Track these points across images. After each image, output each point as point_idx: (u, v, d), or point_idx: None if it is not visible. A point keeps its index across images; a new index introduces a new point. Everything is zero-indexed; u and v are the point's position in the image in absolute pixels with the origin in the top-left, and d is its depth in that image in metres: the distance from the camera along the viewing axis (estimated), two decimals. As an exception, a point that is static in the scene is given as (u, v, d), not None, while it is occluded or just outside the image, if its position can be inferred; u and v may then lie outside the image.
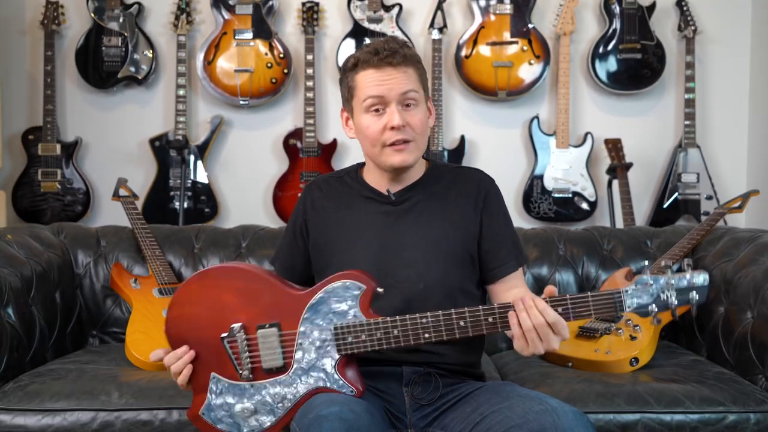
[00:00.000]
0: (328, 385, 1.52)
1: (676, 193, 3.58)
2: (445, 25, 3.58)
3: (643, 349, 2.05)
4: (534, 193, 3.60)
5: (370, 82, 1.63)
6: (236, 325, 1.55)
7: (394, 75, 1.63)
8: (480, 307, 1.48)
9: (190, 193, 3.58)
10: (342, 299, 1.52)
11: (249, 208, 3.69)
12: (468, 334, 1.49)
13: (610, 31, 3.60)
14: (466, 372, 1.70)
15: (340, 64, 3.56)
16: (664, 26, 3.67)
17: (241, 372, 1.55)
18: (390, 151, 1.66)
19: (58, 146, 3.56)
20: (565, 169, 3.60)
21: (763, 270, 2.11)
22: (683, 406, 1.84)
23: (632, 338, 2.09)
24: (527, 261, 1.82)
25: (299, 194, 1.87)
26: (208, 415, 1.57)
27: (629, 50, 3.58)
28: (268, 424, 1.54)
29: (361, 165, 1.83)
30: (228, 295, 1.56)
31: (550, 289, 1.48)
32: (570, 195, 3.59)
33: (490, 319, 1.47)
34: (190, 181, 3.58)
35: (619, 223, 3.48)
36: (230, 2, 3.58)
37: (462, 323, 1.48)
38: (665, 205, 3.59)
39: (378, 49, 1.63)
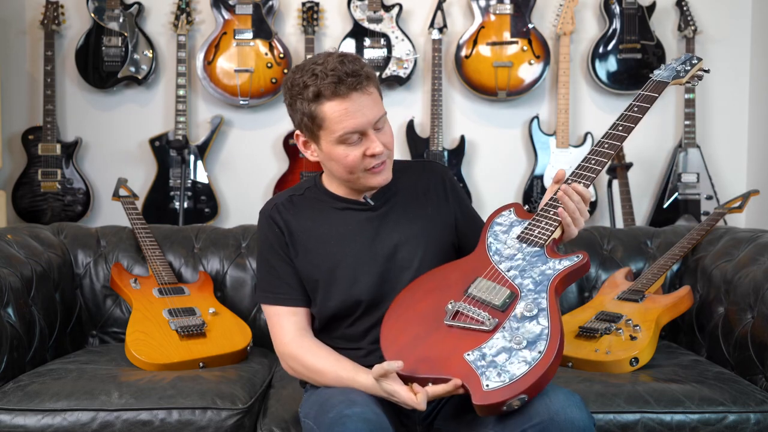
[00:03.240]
0: (557, 270, 1.53)
1: (676, 193, 3.58)
2: (445, 25, 3.58)
3: (643, 349, 2.05)
4: (534, 192, 3.60)
5: (342, 115, 1.56)
6: (448, 305, 1.53)
7: (364, 102, 1.57)
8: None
9: (190, 193, 3.58)
10: (504, 227, 1.64)
11: (249, 208, 3.69)
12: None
13: (610, 31, 3.60)
14: None
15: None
16: (664, 26, 3.67)
17: (486, 327, 1.46)
18: (369, 175, 1.65)
19: (58, 146, 3.56)
20: (565, 169, 3.59)
21: (763, 270, 2.11)
22: (683, 406, 1.84)
23: (632, 338, 2.09)
24: None
25: (260, 221, 1.76)
26: (496, 384, 1.40)
27: (629, 50, 3.58)
28: (544, 342, 1.42)
29: (319, 176, 1.79)
30: (422, 304, 1.56)
31: (561, 173, 1.65)
32: (570, 195, 3.59)
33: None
34: (190, 181, 3.58)
35: (619, 223, 3.48)
36: (230, 2, 3.58)
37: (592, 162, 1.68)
38: (665, 205, 3.59)
39: (340, 77, 1.54)
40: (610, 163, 1.70)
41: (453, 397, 1.53)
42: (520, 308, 1.48)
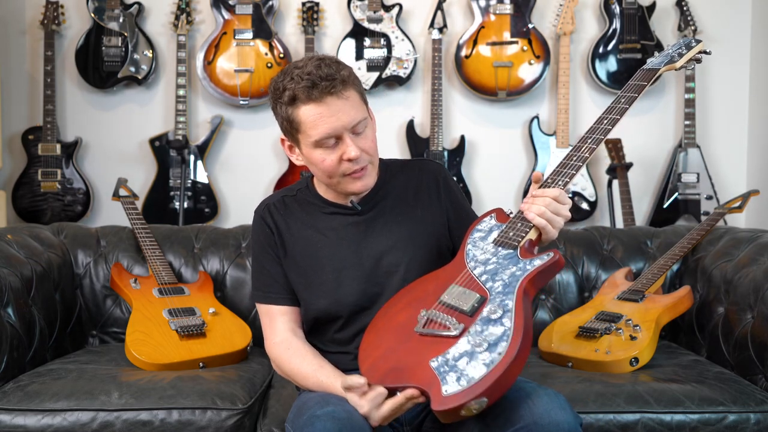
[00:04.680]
0: (526, 271, 1.49)
1: (676, 193, 3.58)
2: (445, 25, 3.58)
3: (643, 349, 2.05)
4: (534, 193, 3.60)
5: (316, 120, 1.56)
6: (422, 311, 1.51)
7: (339, 106, 1.55)
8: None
9: (190, 193, 3.58)
10: (483, 233, 1.62)
11: (249, 208, 3.62)
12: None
13: (610, 31, 3.60)
14: None
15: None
16: (664, 26, 3.67)
17: (454, 332, 1.44)
18: (349, 180, 1.64)
19: (58, 146, 3.56)
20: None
21: (763, 270, 2.11)
22: (683, 406, 1.84)
23: (632, 338, 2.09)
24: None
25: (253, 220, 1.79)
26: (454, 389, 1.36)
27: (629, 50, 3.58)
28: (504, 344, 1.38)
29: (311, 177, 1.79)
30: (402, 316, 1.55)
31: (538, 175, 1.61)
32: (570, 195, 3.59)
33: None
34: (190, 181, 3.58)
35: (619, 223, 3.48)
36: (230, 2, 3.58)
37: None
38: (665, 205, 3.59)
39: (314, 81, 1.53)
40: (591, 157, 1.67)
41: None
42: (486, 311, 1.45)
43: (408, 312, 1.55)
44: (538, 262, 1.51)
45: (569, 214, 1.57)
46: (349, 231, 1.71)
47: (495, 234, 1.61)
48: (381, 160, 1.77)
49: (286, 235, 1.74)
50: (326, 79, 1.54)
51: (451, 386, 1.35)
